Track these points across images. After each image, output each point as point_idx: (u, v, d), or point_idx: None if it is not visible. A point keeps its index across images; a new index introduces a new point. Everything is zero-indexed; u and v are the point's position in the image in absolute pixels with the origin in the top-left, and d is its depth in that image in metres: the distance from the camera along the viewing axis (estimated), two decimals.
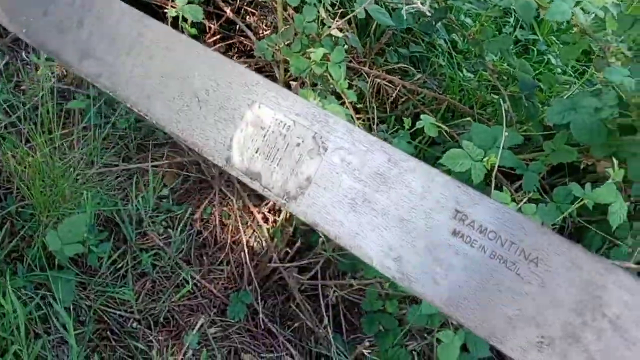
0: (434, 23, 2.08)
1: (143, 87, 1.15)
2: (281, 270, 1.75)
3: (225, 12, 2.26)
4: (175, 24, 1.69)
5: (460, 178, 1.86)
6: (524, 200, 1.72)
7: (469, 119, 2.13)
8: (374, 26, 2.37)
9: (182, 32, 1.76)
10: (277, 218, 1.85)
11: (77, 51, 1.24)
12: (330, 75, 1.70)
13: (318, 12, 1.73)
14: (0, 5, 1.30)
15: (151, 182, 1.76)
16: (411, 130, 1.74)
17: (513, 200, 1.73)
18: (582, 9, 1.57)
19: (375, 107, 2.30)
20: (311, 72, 1.72)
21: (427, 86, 2.36)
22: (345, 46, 1.91)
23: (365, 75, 2.17)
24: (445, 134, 2.16)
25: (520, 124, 2.00)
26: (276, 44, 1.73)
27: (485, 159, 1.64)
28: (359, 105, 2.32)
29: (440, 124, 1.72)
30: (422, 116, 1.74)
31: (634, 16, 1.74)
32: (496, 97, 2.12)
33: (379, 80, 2.24)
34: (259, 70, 2.24)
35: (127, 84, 1.18)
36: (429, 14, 1.60)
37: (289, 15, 2.09)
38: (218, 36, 2.40)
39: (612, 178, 1.47)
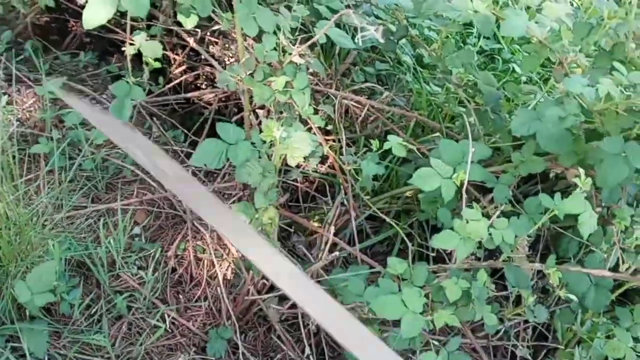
0: (396, 41, 2.09)
1: None
2: (259, 302, 1.73)
3: (189, 42, 2.26)
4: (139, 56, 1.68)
5: (431, 196, 1.88)
6: (496, 213, 1.73)
7: (438, 134, 2.14)
8: (338, 47, 2.38)
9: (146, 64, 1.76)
10: None
11: None
12: (295, 102, 1.69)
13: (278, 39, 1.72)
14: None
15: (121, 222, 1.74)
16: (380, 151, 1.74)
17: (484, 215, 1.74)
18: (536, 22, 1.58)
19: (343, 128, 2.30)
20: (275, 100, 1.71)
21: (396, 103, 2.37)
22: (310, 70, 1.91)
23: (333, 97, 2.17)
24: (416, 151, 2.18)
25: (489, 136, 2.01)
26: (238, 74, 1.72)
27: (454, 176, 1.64)
28: (329, 127, 2.32)
29: (407, 143, 1.72)
30: (389, 137, 1.74)
31: (589, 24, 1.77)
32: (464, 109, 2.13)
33: (346, 102, 2.24)
34: (227, 99, 2.23)
35: None
36: (382, 40, 1.60)
37: (249, 44, 2.09)
38: (184, 67, 2.39)
39: (580, 188, 1.48)
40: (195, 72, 2.37)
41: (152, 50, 1.66)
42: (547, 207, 1.57)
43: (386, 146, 1.71)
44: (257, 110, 1.86)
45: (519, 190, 1.99)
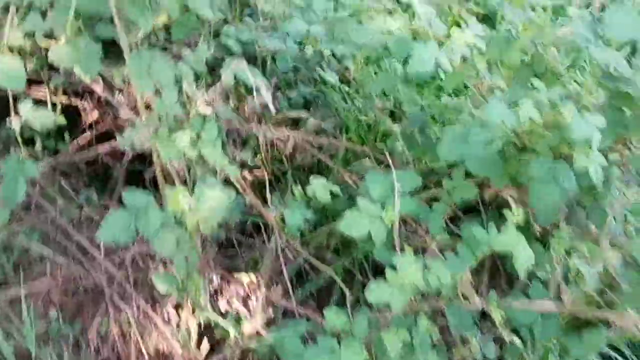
0: (313, 68, 1.98)
1: None
2: None
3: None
4: None
5: (363, 242, 1.78)
6: (433, 245, 1.65)
7: (367, 160, 2.04)
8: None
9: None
10: (180, 314, 1.71)
11: None
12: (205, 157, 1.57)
13: (180, 90, 1.59)
14: None
15: (27, 311, 1.58)
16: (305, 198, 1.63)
17: (421, 251, 1.66)
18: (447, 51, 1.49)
19: (271, 163, 2.19)
20: (185, 157, 1.59)
21: (324, 128, 2.26)
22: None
23: (255, 136, 2.05)
24: (348, 180, 2.08)
25: (420, 160, 1.92)
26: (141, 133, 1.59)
27: (384, 215, 1.55)
28: (257, 163, 2.20)
29: (331, 187, 1.61)
30: (312, 180, 1.64)
31: (505, 38, 1.69)
32: (394, 125, 2.03)
33: (270, 135, 2.12)
34: (141, 158, 2.05)
35: None
36: (274, 110, 1.50)
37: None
38: (95, 115, 2.23)
39: (511, 220, 1.40)
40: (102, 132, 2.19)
41: (41, 121, 1.51)
42: (480, 240, 1.50)
43: (309, 192, 1.60)
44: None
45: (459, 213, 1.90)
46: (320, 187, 1.59)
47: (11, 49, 1.40)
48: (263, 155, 2.15)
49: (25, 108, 1.50)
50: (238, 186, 1.70)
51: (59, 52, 1.42)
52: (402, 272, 1.39)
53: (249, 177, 2.17)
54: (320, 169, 2.25)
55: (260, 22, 2.15)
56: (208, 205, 1.41)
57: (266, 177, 1.81)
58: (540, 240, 1.75)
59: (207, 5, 1.50)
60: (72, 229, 1.75)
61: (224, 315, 1.89)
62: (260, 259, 2.02)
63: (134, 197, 1.47)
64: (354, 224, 1.53)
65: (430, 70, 1.45)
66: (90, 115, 2.20)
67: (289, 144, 2.14)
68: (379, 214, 1.55)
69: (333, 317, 1.57)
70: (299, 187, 1.64)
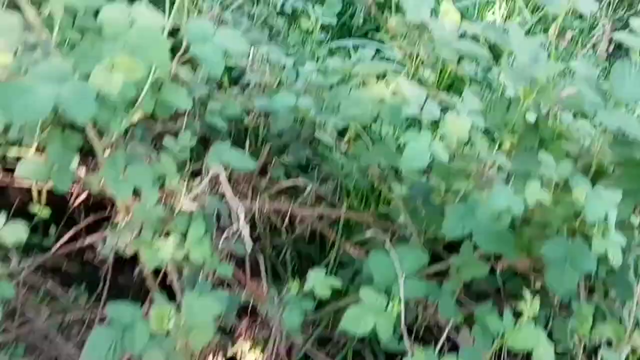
0: (303, 144, 1.89)
1: None
2: None
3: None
4: None
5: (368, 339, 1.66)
6: (444, 335, 1.52)
7: (370, 230, 1.93)
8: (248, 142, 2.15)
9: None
10: None
11: None
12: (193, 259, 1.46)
13: (163, 185, 1.50)
14: None
15: None
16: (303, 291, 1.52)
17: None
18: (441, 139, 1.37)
19: (269, 235, 2.08)
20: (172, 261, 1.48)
21: (322, 195, 2.15)
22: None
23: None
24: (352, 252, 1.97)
25: (424, 231, 1.80)
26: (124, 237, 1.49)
27: (389, 308, 1.43)
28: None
29: (331, 282, 1.49)
30: (310, 274, 1.52)
31: (506, 101, 1.58)
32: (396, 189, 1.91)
33: (267, 208, 2.01)
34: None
35: None
36: (249, 247, 1.41)
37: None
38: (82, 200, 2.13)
39: (527, 315, 1.28)
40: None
41: (14, 236, 1.41)
42: (494, 332, 1.38)
43: (306, 288, 1.49)
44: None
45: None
46: (319, 283, 1.48)
47: None
48: (261, 229, 2.05)
49: None
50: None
51: (27, 168, 1.33)
52: None
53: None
54: (323, 240, 2.15)
55: (249, 90, 2.06)
56: (197, 321, 1.30)
57: (262, 270, 1.69)
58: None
59: (186, 98, 1.40)
60: (60, 338, 1.65)
61: None
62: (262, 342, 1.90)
63: (119, 311, 1.37)
64: (358, 321, 1.41)
65: (423, 165, 1.34)
66: (78, 199, 2.11)
67: (286, 217, 2.03)
68: (383, 306, 1.43)
69: None
70: (296, 282, 1.52)
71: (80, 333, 1.71)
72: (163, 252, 1.42)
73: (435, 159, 1.39)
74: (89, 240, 1.86)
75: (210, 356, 1.95)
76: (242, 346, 2.01)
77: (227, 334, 2.00)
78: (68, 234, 1.83)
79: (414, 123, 1.99)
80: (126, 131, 1.60)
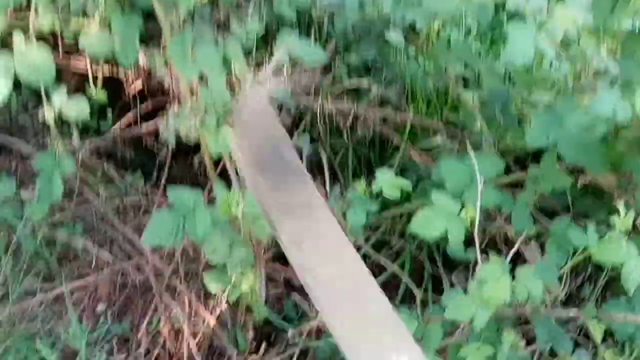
0: (377, 37, 1.75)
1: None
2: None
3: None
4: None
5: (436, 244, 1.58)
6: (515, 247, 1.44)
7: (438, 136, 1.82)
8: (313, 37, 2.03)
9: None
10: (235, 312, 1.58)
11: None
12: None
13: (229, 73, 1.40)
14: None
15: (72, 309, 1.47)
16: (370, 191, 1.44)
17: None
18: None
19: (330, 135, 1.99)
20: None
21: (388, 97, 2.03)
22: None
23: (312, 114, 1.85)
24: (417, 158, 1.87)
25: (498, 140, 1.69)
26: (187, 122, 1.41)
27: (462, 213, 1.35)
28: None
29: (400, 182, 1.41)
30: (377, 173, 1.44)
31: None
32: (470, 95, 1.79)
33: (329, 109, 1.91)
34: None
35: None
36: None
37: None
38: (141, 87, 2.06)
39: (618, 228, 1.18)
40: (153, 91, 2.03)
41: (77, 110, 1.35)
42: (576, 245, 1.29)
43: (374, 188, 1.41)
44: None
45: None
46: (387, 183, 1.39)
47: (41, 35, 1.23)
48: (321, 130, 1.96)
49: (59, 98, 1.35)
50: None
51: (91, 39, 1.25)
52: (489, 288, 1.20)
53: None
54: (384, 144, 2.05)
55: None
56: None
57: (325, 169, 1.61)
58: None
59: None
60: (117, 220, 1.62)
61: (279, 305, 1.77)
62: None
63: (180, 195, 1.32)
64: (428, 224, 1.34)
65: (529, 58, 1.20)
66: (134, 86, 2.04)
67: (349, 118, 1.94)
68: (456, 211, 1.35)
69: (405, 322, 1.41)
70: (362, 181, 1.44)
71: (137, 217, 1.69)
72: (228, 139, 1.35)
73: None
74: (146, 126, 1.81)
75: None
76: None
77: None
78: (126, 118, 1.77)
79: (496, 24, 1.84)
80: (192, 14, 1.51)
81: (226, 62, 1.41)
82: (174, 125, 1.42)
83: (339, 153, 2.06)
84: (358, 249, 1.67)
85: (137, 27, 1.32)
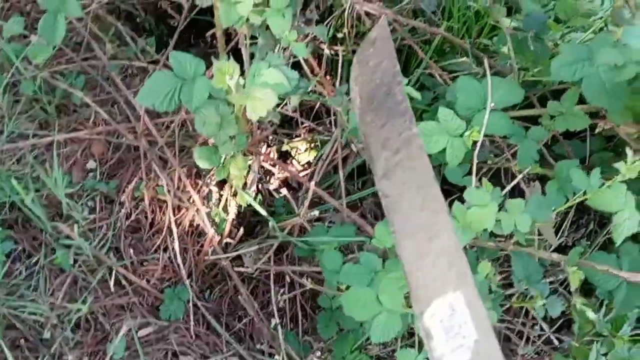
0: None
1: None
2: (224, 261, 1.49)
3: None
4: None
5: (434, 159, 1.53)
6: (515, 181, 1.38)
7: (465, 59, 1.73)
8: None
9: None
10: (222, 193, 1.56)
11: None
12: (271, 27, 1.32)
13: None
14: None
15: (57, 159, 1.48)
16: None
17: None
18: None
19: (351, 43, 1.90)
20: (249, 22, 1.35)
21: (422, 7, 1.93)
22: None
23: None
24: (437, 77, 1.80)
25: (525, 70, 1.60)
26: None
27: (467, 133, 1.29)
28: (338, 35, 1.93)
29: (412, 92, 1.33)
30: None
31: None
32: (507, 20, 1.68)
33: (357, 7, 1.82)
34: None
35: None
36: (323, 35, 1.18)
37: None
38: None
39: (622, 174, 1.11)
40: None
41: None
42: (576, 188, 1.23)
43: None
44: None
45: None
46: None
47: None
48: (347, 29, 1.87)
49: None
50: (305, 67, 1.48)
51: None
52: (472, 212, 1.16)
53: (326, 51, 1.91)
54: (409, 56, 1.97)
55: None
56: (261, 89, 1.19)
57: (340, 58, 1.55)
58: None
59: None
60: (121, 81, 1.59)
61: (270, 200, 1.76)
62: (319, 146, 1.83)
63: (183, 60, 1.27)
64: (429, 138, 1.29)
65: None
66: None
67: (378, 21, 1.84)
68: (460, 131, 1.29)
69: (383, 233, 1.38)
70: None
71: (142, 82, 1.65)
72: (240, 9, 1.29)
73: None
74: None
75: (265, 146, 1.89)
76: (299, 145, 1.95)
77: (287, 128, 1.93)
78: None
79: None
80: None
81: None
82: None
83: None
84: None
85: None
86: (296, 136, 1.96)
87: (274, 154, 1.90)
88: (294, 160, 1.94)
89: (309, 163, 1.92)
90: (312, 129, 1.96)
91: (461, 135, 1.29)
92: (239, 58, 1.52)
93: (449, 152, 1.29)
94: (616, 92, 1.29)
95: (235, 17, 1.32)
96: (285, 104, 1.72)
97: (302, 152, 1.95)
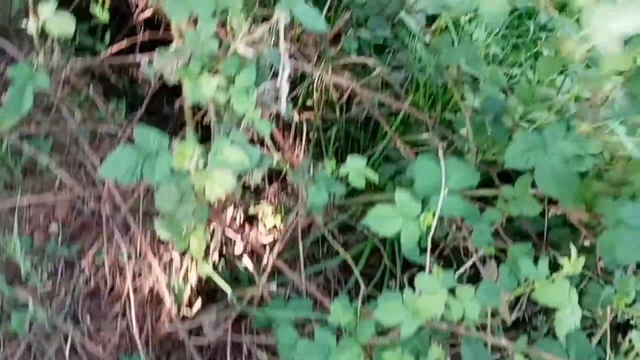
0: (388, 20, 1.70)
1: None
2: (181, 331, 1.50)
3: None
4: None
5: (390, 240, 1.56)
6: (467, 264, 1.42)
7: (427, 135, 1.78)
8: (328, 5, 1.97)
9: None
10: (183, 262, 1.57)
11: None
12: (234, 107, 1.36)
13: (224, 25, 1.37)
14: None
15: (17, 223, 1.47)
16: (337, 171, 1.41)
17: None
18: None
19: (321, 107, 1.95)
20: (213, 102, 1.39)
21: (390, 81, 1.99)
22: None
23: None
24: (402, 149, 1.84)
25: (483, 152, 1.65)
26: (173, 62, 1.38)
27: (422, 216, 1.32)
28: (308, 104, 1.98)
29: (368, 173, 1.37)
30: (348, 159, 1.40)
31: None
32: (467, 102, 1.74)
33: (327, 80, 1.87)
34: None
35: None
36: (283, 109, 1.25)
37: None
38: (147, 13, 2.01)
39: (566, 270, 1.15)
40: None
41: (61, 26, 1.32)
42: (525, 276, 1.26)
43: (341, 172, 1.38)
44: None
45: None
46: (355, 172, 1.37)
47: None
48: (316, 98, 1.92)
49: (47, 10, 1.32)
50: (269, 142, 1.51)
51: None
52: (422, 299, 1.18)
53: (295, 117, 1.96)
54: (376, 127, 2.01)
55: None
56: (219, 171, 1.22)
57: (304, 140, 1.59)
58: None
59: None
60: (90, 143, 1.61)
61: (232, 268, 1.77)
62: (284, 214, 1.85)
63: (146, 135, 1.30)
64: (385, 221, 1.32)
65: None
66: (143, 13, 2.00)
67: (345, 94, 1.90)
68: (415, 214, 1.32)
69: (339, 311, 1.40)
70: (333, 161, 1.41)
71: (110, 147, 1.67)
72: (205, 89, 1.32)
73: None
74: (140, 57, 1.77)
75: (231, 208, 1.91)
76: (265, 208, 1.97)
77: (253, 192, 1.95)
78: (121, 44, 1.74)
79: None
80: None
81: (223, 12, 1.37)
82: (159, 62, 1.39)
83: (332, 127, 2.03)
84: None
85: None
86: (263, 198, 1.99)
87: (240, 217, 1.92)
88: (260, 224, 1.96)
89: (275, 227, 1.94)
90: (279, 191, 1.99)
91: (417, 218, 1.32)
92: (209, 127, 1.56)
93: (404, 235, 1.32)
94: (568, 180, 1.33)
95: (201, 95, 1.36)
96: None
97: (269, 215, 1.97)
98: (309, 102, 2.00)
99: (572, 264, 1.13)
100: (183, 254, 1.59)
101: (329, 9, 1.96)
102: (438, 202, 1.34)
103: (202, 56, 1.36)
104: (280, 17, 1.20)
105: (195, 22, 1.35)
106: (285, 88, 1.24)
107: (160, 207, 1.30)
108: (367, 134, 2.03)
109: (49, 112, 1.65)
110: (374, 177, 1.38)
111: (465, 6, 1.40)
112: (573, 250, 1.14)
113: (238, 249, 1.78)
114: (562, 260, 1.14)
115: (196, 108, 1.54)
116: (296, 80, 1.98)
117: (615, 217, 1.23)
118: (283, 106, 1.27)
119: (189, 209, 1.29)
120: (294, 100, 1.97)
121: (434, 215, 1.30)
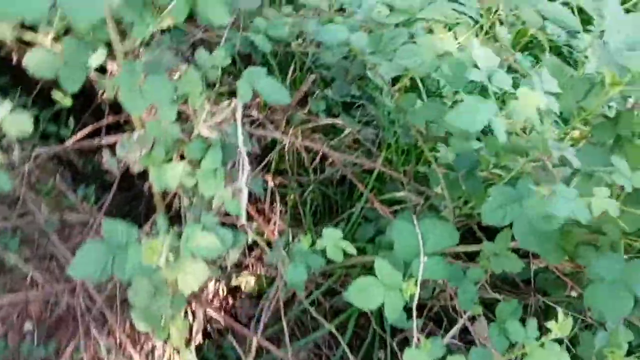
0: (354, 80, 1.70)
1: None
2: None
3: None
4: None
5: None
6: (458, 325, 1.39)
7: (402, 193, 1.76)
8: (293, 68, 1.97)
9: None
10: (165, 349, 1.52)
11: None
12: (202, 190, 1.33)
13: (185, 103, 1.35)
14: None
15: None
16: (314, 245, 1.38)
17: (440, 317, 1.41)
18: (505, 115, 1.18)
19: (293, 170, 1.93)
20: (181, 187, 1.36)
21: (361, 140, 1.98)
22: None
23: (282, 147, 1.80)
24: (379, 207, 1.82)
25: (460, 208, 1.63)
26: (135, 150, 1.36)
27: (404, 286, 1.29)
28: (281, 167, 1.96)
29: (345, 246, 1.35)
30: (324, 232, 1.38)
31: (588, 81, 1.35)
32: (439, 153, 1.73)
33: (298, 144, 1.86)
34: None
35: None
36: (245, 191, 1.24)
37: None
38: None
39: (554, 334, 1.12)
40: None
41: (18, 126, 1.29)
42: (514, 340, 1.23)
43: (318, 245, 1.35)
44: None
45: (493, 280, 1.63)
46: (333, 244, 1.34)
47: None
48: (289, 164, 1.91)
49: (1, 110, 1.29)
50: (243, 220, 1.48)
51: (37, 58, 1.19)
52: None
53: (270, 182, 1.94)
54: (352, 186, 1.99)
55: (304, 11, 1.86)
56: (192, 262, 1.18)
57: (277, 214, 1.56)
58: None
59: (224, 13, 1.22)
60: (57, 237, 1.57)
61: (218, 345, 1.72)
62: (266, 286, 1.81)
63: (114, 228, 1.26)
64: (366, 295, 1.28)
65: (475, 132, 1.16)
66: (105, 96, 1.98)
67: (317, 157, 1.88)
68: (397, 284, 1.29)
69: None
70: (309, 236, 1.39)
71: (80, 235, 1.63)
72: (171, 175, 1.30)
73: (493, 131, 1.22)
74: (105, 141, 1.75)
75: (212, 282, 1.87)
76: (248, 278, 1.93)
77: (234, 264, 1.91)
78: (86, 130, 1.71)
79: (476, 88, 1.78)
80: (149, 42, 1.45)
81: (182, 96, 1.36)
82: (121, 152, 1.37)
83: (307, 190, 2.00)
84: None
85: (90, 49, 1.26)
86: (244, 268, 1.95)
87: (222, 290, 1.88)
88: (243, 295, 1.92)
89: (259, 296, 1.90)
90: (260, 257, 1.95)
91: (398, 287, 1.29)
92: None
93: (387, 306, 1.28)
94: (547, 234, 1.31)
95: (168, 182, 1.33)
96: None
97: (252, 285, 1.93)
98: (282, 166, 1.99)
99: (560, 325, 1.11)
100: (165, 342, 1.54)
101: (294, 71, 1.96)
102: (419, 267, 1.31)
103: (165, 142, 1.34)
104: (238, 105, 1.18)
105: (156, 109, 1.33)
106: (247, 168, 1.21)
107: (133, 302, 1.26)
108: (343, 193, 2.01)
109: (15, 206, 1.61)
110: (352, 250, 1.36)
111: (424, 68, 1.41)
112: (560, 313, 1.11)
113: (222, 325, 1.74)
114: (550, 324, 1.12)
115: (165, 192, 1.51)
116: (267, 146, 1.97)
117: (595, 271, 1.21)
118: (244, 185, 1.24)
119: (164, 301, 1.25)
120: (266, 165, 1.96)
121: (416, 283, 1.28)
